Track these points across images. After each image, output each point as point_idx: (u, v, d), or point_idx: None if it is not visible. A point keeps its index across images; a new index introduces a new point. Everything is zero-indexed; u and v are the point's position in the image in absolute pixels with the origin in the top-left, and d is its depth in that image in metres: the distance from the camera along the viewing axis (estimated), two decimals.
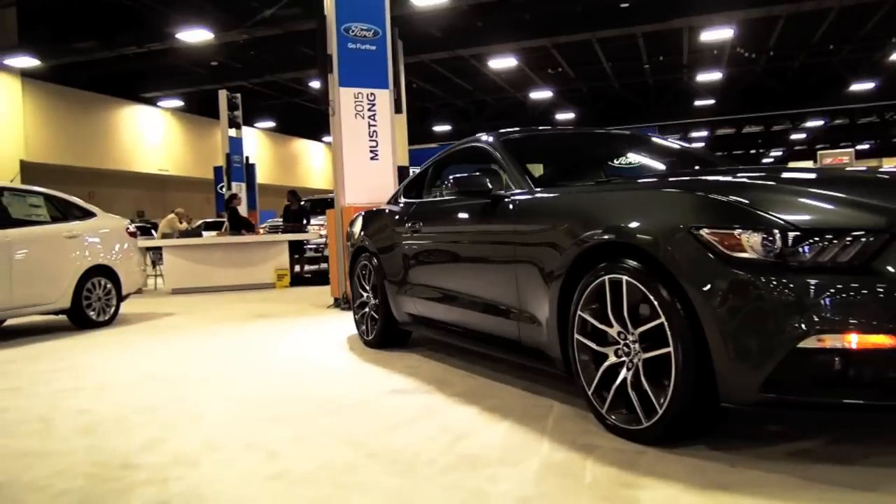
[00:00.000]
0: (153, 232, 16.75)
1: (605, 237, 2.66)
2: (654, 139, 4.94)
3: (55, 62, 23.29)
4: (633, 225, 2.56)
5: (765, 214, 2.25)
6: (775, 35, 21.81)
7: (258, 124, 33.99)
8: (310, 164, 38.62)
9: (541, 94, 32.39)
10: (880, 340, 2.08)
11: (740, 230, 2.24)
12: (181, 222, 13.67)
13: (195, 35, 19.98)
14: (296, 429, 3.00)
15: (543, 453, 2.54)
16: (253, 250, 11.16)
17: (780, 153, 44.99)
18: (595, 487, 2.19)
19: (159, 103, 28.97)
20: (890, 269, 2.08)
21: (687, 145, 4.85)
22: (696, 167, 4.17)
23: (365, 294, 5.02)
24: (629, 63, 27.31)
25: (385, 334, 4.80)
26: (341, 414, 3.21)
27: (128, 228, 7.65)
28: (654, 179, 3.50)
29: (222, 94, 16.63)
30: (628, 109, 32.79)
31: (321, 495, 2.24)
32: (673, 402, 2.41)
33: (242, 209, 15.25)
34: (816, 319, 2.10)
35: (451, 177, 3.65)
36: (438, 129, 37.96)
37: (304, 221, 12.84)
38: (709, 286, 2.27)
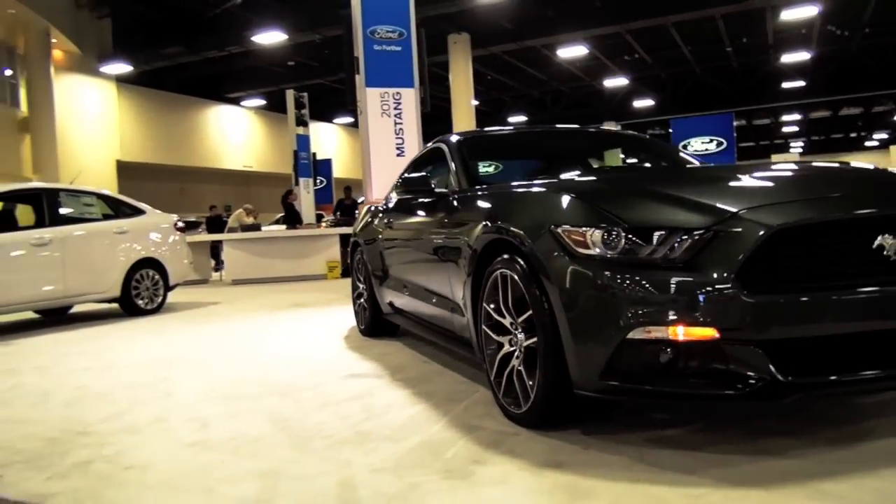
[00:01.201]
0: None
1: (494, 235, 2.88)
2: (619, 134, 5.04)
3: (146, 67, 24.87)
4: (513, 224, 2.76)
5: (608, 214, 2.41)
6: (870, 10, 20.58)
7: (337, 120, 35.03)
8: None
9: (617, 82, 31.83)
10: (703, 333, 2.20)
11: (585, 228, 2.41)
12: (248, 217, 14.46)
13: (271, 37, 20.94)
14: (239, 406, 3.36)
15: (431, 432, 2.78)
16: (306, 243, 11.73)
17: (884, 136, 42.35)
18: (448, 462, 2.42)
19: (242, 103, 30.43)
20: (710, 264, 2.21)
21: (648, 139, 4.85)
22: (647, 161, 4.25)
23: (361, 286, 5.34)
24: (710, 46, 26.42)
25: (374, 324, 5.12)
26: (288, 395, 3.54)
27: (176, 224, 8.30)
28: (545, 181, 3.58)
29: (289, 94, 17.39)
30: (711, 95, 31.68)
31: (215, 460, 2.58)
32: (539, 388, 2.60)
33: (307, 203, 15.96)
34: (643, 312, 2.24)
35: (401, 176, 3.91)
36: (514, 119, 37.93)
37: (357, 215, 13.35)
38: (559, 280, 2.45)
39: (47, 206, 6.88)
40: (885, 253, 2.25)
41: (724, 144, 21.18)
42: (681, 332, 2.22)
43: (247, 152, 30.93)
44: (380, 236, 4.74)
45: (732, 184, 2.67)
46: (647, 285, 2.25)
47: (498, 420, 2.87)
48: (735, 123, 22.31)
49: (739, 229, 2.21)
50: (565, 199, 2.62)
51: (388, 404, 3.25)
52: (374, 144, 8.04)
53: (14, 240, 6.45)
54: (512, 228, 2.74)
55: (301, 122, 17.36)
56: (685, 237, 2.25)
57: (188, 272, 8.56)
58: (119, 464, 2.61)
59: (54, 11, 20.81)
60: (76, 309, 8.25)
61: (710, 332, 2.20)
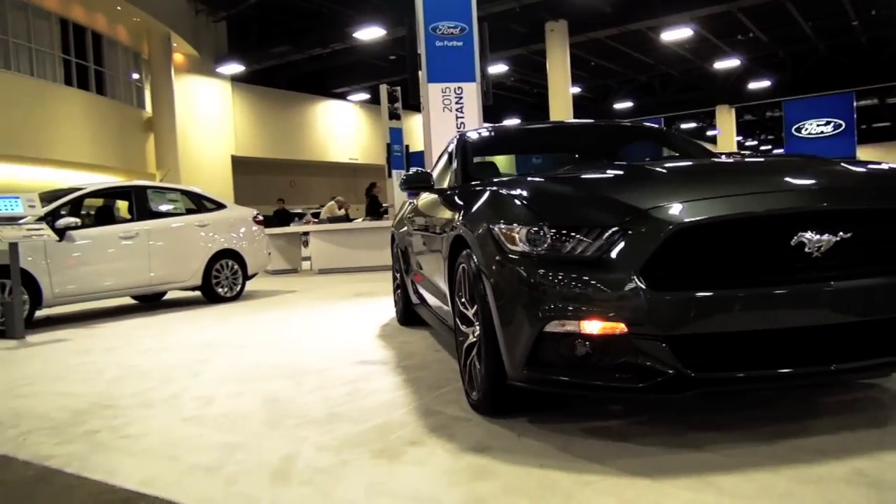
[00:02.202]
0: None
1: (455, 232, 3.04)
2: (627, 127, 4.98)
3: (257, 67, 26.28)
4: (467, 221, 2.91)
5: (535, 212, 2.52)
6: None
7: None
8: None
9: (730, 63, 30.38)
10: (612, 327, 2.29)
11: (515, 226, 2.53)
12: (339, 209, 15.11)
13: (371, 33, 21.63)
14: (247, 387, 3.70)
15: (392, 416, 3.00)
16: (386, 234, 12.15)
17: None
18: (388, 443, 2.63)
19: (348, 97, 31.53)
20: (617, 261, 2.28)
21: (659, 131, 4.75)
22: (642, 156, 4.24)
23: (398, 276, 5.61)
24: (833, 20, 24.76)
25: (406, 313, 5.37)
26: (293, 378, 3.86)
27: (255, 217, 8.90)
28: (500, 180, 3.62)
29: (383, 89, 17.89)
30: (837, 73, 29.63)
31: (196, 433, 2.92)
32: (484, 378, 2.76)
33: (399, 195, 16.42)
34: (557, 306, 2.35)
35: (402, 173, 4.11)
36: (620, 106, 37.06)
37: None
38: (492, 274, 2.59)
39: (136, 202, 7.61)
40: (806, 250, 2.24)
41: (843, 126, 19.85)
42: (591, 326, 2.31)
43: (352, 145, 32.03)
44: (404, 229, 4.98)
45: (663, 181, 2.69)
46: (561, 281, 2.36)
47: (461, 407, 3.04)
48: (863, 103, 20.78)
49: (644, 228, 2.27)
50: (504, 199, 2.75)
51: (373, 389, 3.49)
52: (437, 139, 8.25)
53: (106, 233, 7.20)
54: (466, 225, 2.90)
55: (394, 115, 17.83)
56: (597, 235, 2.34)
57: (266, 262, 9.16)
58: (119, 433, 2.99)
59: (175, 18, 22.40)
60: (169, 295, 9.04)
61: (618, 327, 2.28)
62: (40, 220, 6.34)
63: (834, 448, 2.28)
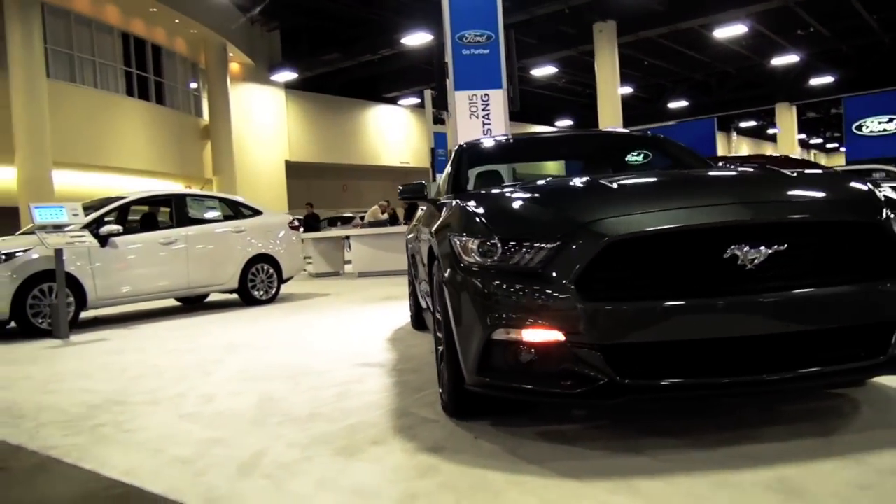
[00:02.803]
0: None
1: (429, 243, 3.20)
2: (620, 135, 5.01)
3: (309, 74, 26.94)
4: (436, 233, 3.07)
5: (487, 226, 2.66)
6: None
7: None
8: None
9: (790, 59, 29.52)
10: (550, 336, 2.41)
11: (468, 238, 2.67)
12: (383, 213, 15.41)
13: (418, 38, 21.93)
14: (249, 386, 3.94)
15: (367, 416, 3.17)
16: None
17: None
18: (354, 441, 2.80)
19: (399, 102, 31.96)
20: (556, 273, 2.40)
21: (651, 138, 4.74)
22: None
23: (411, 282, 5.80)
24: None
25: (417, 318, 5.55)
26: (294, 379, 4.08)
27: (291, 223, 9.24)
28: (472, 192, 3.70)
29: (427, 94, 18.14)
30: None
31: (187, 428, 3.16)
32: (447, 382, 2.92)
33: None
34: (503, 315, 2.48)
35: (399, 186, 4.28)
36: (674, 105, 36.41)
37: None
38: (450, 283, 2.74)
39: (175, 210, 8.03)
40: (739, 262, 2.31)
41: None
42: (533, 335, 2.44)
43: (403, 149, 32.44)
44: (411, 235, 5.16)
45: (609, 195, 2.78)
46: (506, 291, 2.49)
47: (434, 409, 3.19)
48: None
49: (582, 241, 2.39)
50: (464, 213, 2.89)
51: (362, 391, 3.68)
52: None
53: (146, 239, 7.62)
54: (434, 236, 3.06)
55: (438, 119, 18.06)
56: (540, 248, 2.46)
57: (301, 267, 9.49)
58: (121, 428, 3.26)
59: (231, 29, 23.18)
60: (211, 297, 9.46)
61: (556, 336, 2.39)
62: (85, 227, 6.77)
63: (770, 455, 2.34)
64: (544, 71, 29.21)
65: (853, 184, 2.74)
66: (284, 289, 9.63)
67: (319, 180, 29.64)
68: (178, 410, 3.52)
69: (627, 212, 2.47)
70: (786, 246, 2.32)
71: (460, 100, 8.45)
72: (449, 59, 8.43)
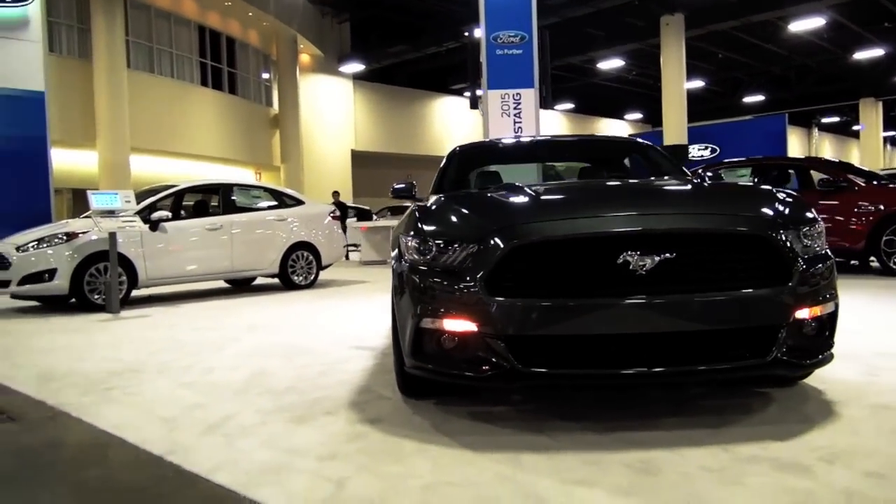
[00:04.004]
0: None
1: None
2: (608, 141, 5.20)
3: (377, 65, 27.59)
4: (399, 231, 3.43)
5: (422, 228, 3.01)
6: None
7: (558, 107, 35.51)
8: None
9: (875, 52, 28.31)
10: (464, 327, 2.75)
11: (410, 238, 3.03)
12: None
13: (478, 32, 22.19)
14: (250, 362, 4.42)
15: (334, 391, 3.58)
16: None
17: None
18: (311, 411, 3.22)
19: (465, 94, 32.26)
20: (470, 272, 2.73)
21: (636, 144, 4.90)
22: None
23: None
24: None
25: None
26: (290, 357, 4.53)
27: (332, 213, 9.77)
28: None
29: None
30: None
31: (180, 394, 3.64)
32: (395, 365, 3.29)
33: None
34: (429, 307, 2.83)
35: (394, 185, 4.65)
36: (750, 99, 35.39)
37: None
38: (397, 277, 3.11)
39: (222, 198, 8.66)
40: (631, 267, 2.59)
41: None
42: (451, 325, 2.78)
43: (468, 140, 32.70)
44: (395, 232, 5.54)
45: (527, 202, 3.08)
46: (432, 285, 2.84)
47: (393, 389, 3.56)
48: None
49: (492, 244, 2.71)
50: (413, 215, 3.24)
51: (343, 370, 4.09)
52: None
53: (193, 225, 8.28)
54: (398, 233, 3.42)
55: None
56: (462, 249, 2.80)
57: (341, 255, 10.00)
58: (127, 392, 3.78)
59: (301, 21, 24.03)
60: (258, 281, 10.09)
61: (471, 326, 2.73)
62: (137, 213, 7.45)
63: (651, 441, 2.62)
64: (611, 64, 28.97)
65: (757, 199, 2.95)
66: (327, 275, 10.19)
67: (385, 169, 30.27)
68: (179, 379, 4.02)
69: (535, 219, 2.79)
70: (674, 254, 2.58)
71: (493, 98, 8.76)
72: (484, 58, 8.74)
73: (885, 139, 40.83)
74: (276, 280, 9.30)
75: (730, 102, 35.42)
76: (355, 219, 17.52)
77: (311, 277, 9.37)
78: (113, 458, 2.79)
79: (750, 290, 2.63)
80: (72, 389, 3.86)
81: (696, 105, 26.98)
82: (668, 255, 2.58)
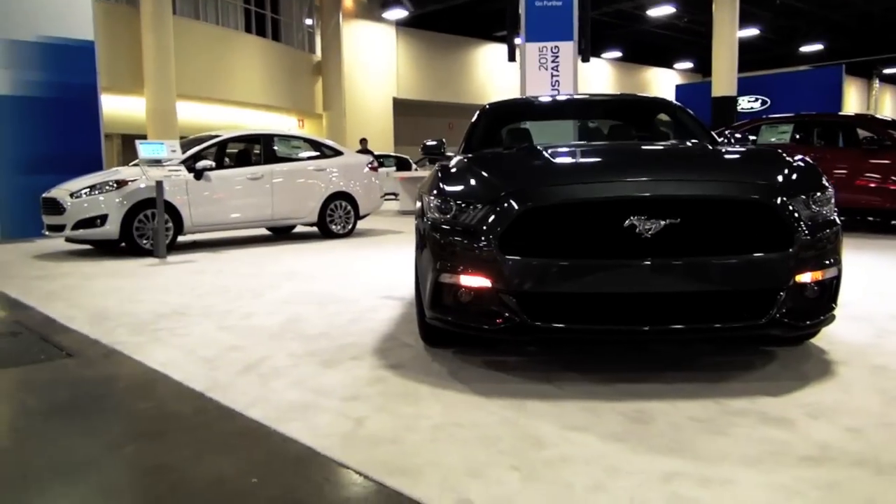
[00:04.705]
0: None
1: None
2: (632, 100, 5.23)
3: (420, 11, 27.27)
4: (422, 189, 3.61)
5: (443, 188, 3.19)
6: None
7: (606, 55, 34.75)
8: (657, 93, 38.00)
9: None
10: (480, 282, 2.94)
11: (432, 197, 3.22)
12: None
13: None
14: (286, 308, 4.71)
15: (362, 339, 3.84)
16: None
17: None
18: (340, 356, 3.48)
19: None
20: (487, 231, 2.91)
21: (666, 105, 4.90)
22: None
23: None
24: None
25: None
26: (323, 305, 4.80)
27: (370, 164, 9.98)
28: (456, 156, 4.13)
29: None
30: None
31: (220, 337, 3.94)
32: (418, 316, 3.52)
33: None
34: (448, 263, 3.03)
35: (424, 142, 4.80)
36: (808, 49, 34.03)
37: None
38: (420, 234, 3.31)
39: (263, 148, 8.93)
40: (637, 231, 2.75)
41: None
42: (468, 280, 2.98)
43: (511, 88, 32.34)
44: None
45: (541, 165, 3.23)
46: (451, 243, 3.03)
47: (416, 337, 3.78)
48: None
49: (507, 205, 2.89)
50: (436, 175, 3.42)
51: (372, 318, 4.35)
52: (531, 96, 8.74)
53: (236, 174, 8.58)
54: (421, 192, 3.61)
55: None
56: (479, 209, 2.98)
57: (379, 205, 10.25)
58: (173, 333, 4.10)
59: None
60: (298, 229, 10.41)
61: (485, 283, 2.93)
62: (182, 162, 7.76)
63: (649, 393, 2.80)
64: (662, 10, 28.13)
65: (766, 166, 3.05)
66: (364, 224, 10.45)
67: (426, 118, 30.28)
68: (220, 323, 4.33)
69: (547, 183, 2.95)
70: (679, 219, 2.72)
71: (530, 51, 8.76)
72: (522, 10, 8.70)
73: None
74: (314, 229, 9.59)
75: (786, 51, 34.13)
76: (394, 168, 17.71)
77: (349, 227, 9.64)
78: (160, 392, 3.10)
79: (752, 255, 2.75)
80: (123, 329, 4.19)
81: (749, 54, 26.07)
82: (672, 219, 2.72)
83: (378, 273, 6.27)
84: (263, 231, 10.20)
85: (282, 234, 10.16)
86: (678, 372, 3.09)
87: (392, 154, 22.17)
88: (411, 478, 2.09)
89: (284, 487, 2.07)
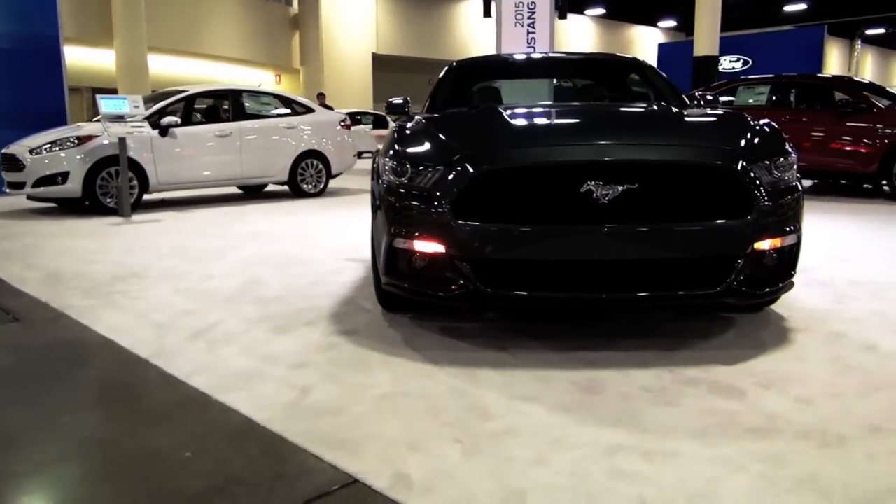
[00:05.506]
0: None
1: None
2: (599, 59, 5.14)
3: None
4: (378, 151, 3.50)
5: (399, 149, 3.08)
6: None
7: (589, 11, 34.25)
8: (639, 54, 37.66)
9: None
10: (434, 248, 2.86)
11: (388, 159, 3.11)
12: None
13: None
14: (244, 270, 4.61)
15: (318, 303, 3.76)
16: None
17: None
18: (293, 321, 3.40)
19: None
20: (440, 195, 2.82)
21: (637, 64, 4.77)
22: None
23: None
24: None
25: None
26: (284, 267, 4.71)
27: (342, 122, 9.77)
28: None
29: None
30: None
31: (175, 300, 3.85)
32: (374, 280, 3.44)
33: None
34: (402, 227, 2.94)
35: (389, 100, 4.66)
36: (791, 8, 33.75)
37: None
38: (375, 197, 3.22)
39: (232, 104, 8.70)
40: (594, 196, 2.67)
41: None
42: (421, 246, 2.90)
43: (492, 45, 31.89)
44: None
45: (497, 127, 3.13)
46: (405, 207, 2.94)
47: (375, 302, 3.72)
48: None
49: (461, 169, 2.79)
50: (392, 136, 3.31)
51: (332, 282, 4.27)
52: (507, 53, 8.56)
53: (203, 131, 8.36)
54: (377, 153, 3.50)
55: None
56: (433, 173, 2.88)
57: (351, 164, 10.06)
58: (127, 296, 3.99)
59: None
60: (269, 188, 10.22)
61: (439, 248, 2.85)
62: (147, 118, 7.53)
63: (603, 361, 2.76)
64: None
65: (729, 130, 2.97)
66: (336, 183, 10.30)
67: (406, 74, 29.75)
68: (177, 286, 4.23)
69: (504, 146, 2.86)
70: (637, 184, 2.64)
71: (507, 7, 8.53)
72: None
73: None
74: (286, 188, 9.42)
75: (768, 11, 33.82)
76: (371, 126, 17.46)
77: (321, 186, 9.49)
78: (105, 358, 3.01)
79: (710, 221, 2.70)
80: (76, 292, 4.08)
81: (733, 13, 25.75)
82: (630, 185, 2.64)
83: (346, 234, 6.16)
84: (234, 190, 10.01)
85: (252, 192, 9.98)
86: (634, 339, 3.05)
87: (370, 111, 21.81)
88: (350, 451, 2.04)
89: (217, 462, 2.01)
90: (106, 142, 7.43)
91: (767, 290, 2.88)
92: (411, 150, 3.07)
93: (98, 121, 7.78)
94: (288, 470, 1.95)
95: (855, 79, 10.26)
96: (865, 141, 8.19)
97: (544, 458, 1.99)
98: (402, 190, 2.97)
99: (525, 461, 1.98)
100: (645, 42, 36.94)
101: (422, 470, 1.93)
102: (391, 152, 3.12)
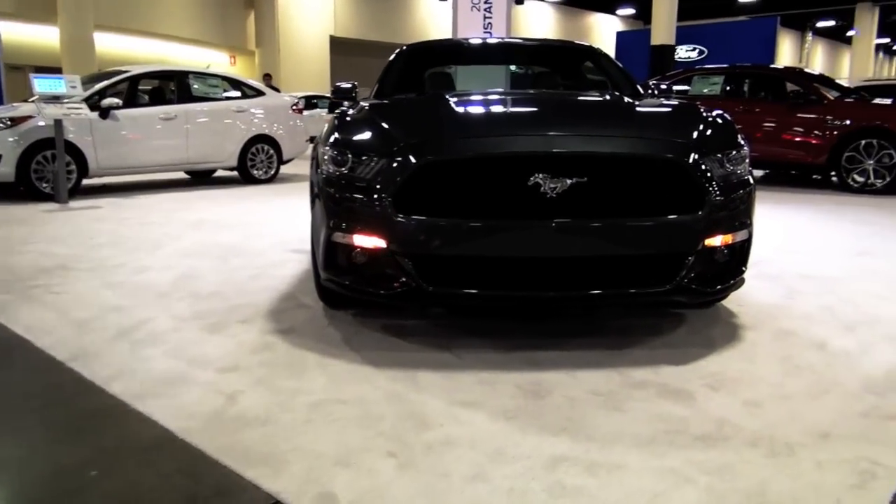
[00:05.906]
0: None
1: None
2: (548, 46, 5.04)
3: None
4: (319, 141, 3.32)
5: (339, 137, 2.91)
6: None
7: None
8: (598, 42, 37.77)
9: None
10: (374, 243, 2.71)
11: (328, 148, 2.94)
12: None
13: None
14: (182, 262, 4.39)
15: (256, 298, 3.58)
16: None
17: None
18: (227, 319, 3.22)
19: None
20: (381, 187, 2.66)
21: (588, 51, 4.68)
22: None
23: None
24: None
25: None
26: (225, 259, 4.50)
27: (294, 106, 9.49)
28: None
29: None
30: None
31: (105, 294, 3.62)
32: (314, 276, 3.26)
33: None
34: (341, 221, 2.78)
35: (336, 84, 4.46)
36: None
37: None
38: (312, 188, 3.04)
39: (178, 86, 8.35)
40: (542, 190, 2.53)
41: None
42: (361, 240, 2.74)
43: (450, 28, 31.63)
44: None
45: (443, 115, 2.98)
46: (345, 199, 2.77)
47: (316, 298, 3.55)
48: None
49: (402, 160, 2.63)
50: (333, 125, 3.13)
51: (274, 275, 4.07)
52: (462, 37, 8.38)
53: (146, 114, 8.01)
54: (317, 142, 3.32)
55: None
56: (374, 164, 2.72)
57: (303, 149, 9.80)
58: (50, 290, 3.74)
59: None
60: (219, 173, 9.91)
61: (380, 243, 2.69)
62: (87, 99, 7.17)
63: (548, 361, 2.65)
64: None
65: (681, 121, 2.87)
66: (288, 169, 10.03)
67: (364, 58, 29.25)
68: (108, 279, 3.99)
69: (448, 136, 2.70)
70: (585, 178, 2.52)
71: None
72: None
73: (878, 47, 39.95)
74: (235, 173, 9.13)
75: (725, 1, 34.18)
76: (327, 110, 17.05)
77: (272, 172, 9.23)
78: (16, 361, 2.79)
79: (660, 217, 2.59)
80: None
81: (690, 2, 25.92)
82: (579, 178, 2.52)
83: (295, 223, 5.95)
84: (182, 175, 9.67)
85: (201, 178, 9.65)
86: (583, 338, 2.95)
87: (327, 95, 21.38)
88: (273, 467, 1.88)
89: (127, 481, 1.83)
90: (41, 124, 7.06)
91: (718, 287, 2.80)
92: (353, 138, 2.90)
93: (34, 101, 7.38)
94: (202, 491, 1.79)
95: (806, 70, 10.35)
96: (815, 132, 8.26)
97: (483, 473, 1.86)
98: (342, 181, 2.80)
99: (462, 476, 1.85)
100: (603, 30, 37.04)
101: (350, 489, 1.78)
102: (331, 140, 2.95)
